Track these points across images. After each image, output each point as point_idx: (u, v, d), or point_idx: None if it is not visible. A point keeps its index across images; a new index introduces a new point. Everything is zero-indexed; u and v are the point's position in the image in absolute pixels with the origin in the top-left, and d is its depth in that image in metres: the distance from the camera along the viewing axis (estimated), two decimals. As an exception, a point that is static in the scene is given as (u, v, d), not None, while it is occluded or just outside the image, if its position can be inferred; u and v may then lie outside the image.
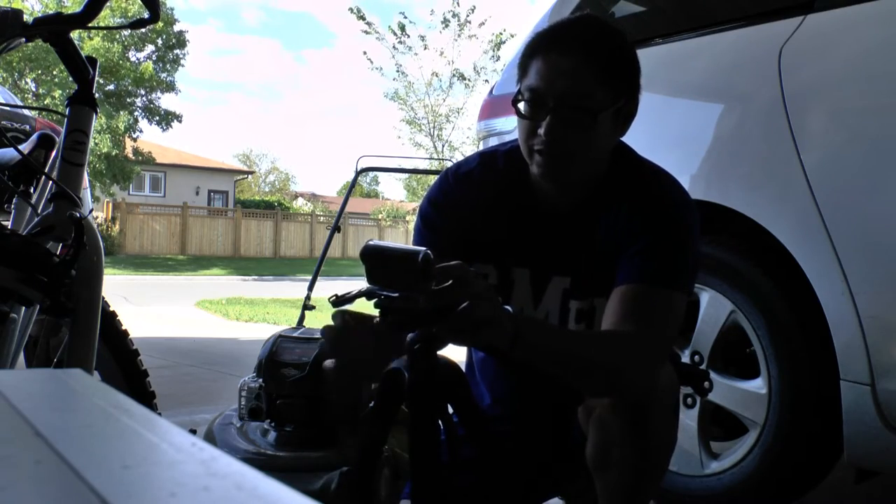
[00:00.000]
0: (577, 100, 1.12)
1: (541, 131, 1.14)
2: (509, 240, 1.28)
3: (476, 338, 0.92)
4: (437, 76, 15.88)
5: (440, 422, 0.95)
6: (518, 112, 1.18)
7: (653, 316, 1.12)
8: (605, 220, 1.23)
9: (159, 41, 19.08)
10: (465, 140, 15.82)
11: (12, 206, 1.63)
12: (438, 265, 0.90)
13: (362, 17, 15.83)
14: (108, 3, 1.39)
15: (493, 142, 2.42)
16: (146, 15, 1.34)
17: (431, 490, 0.92)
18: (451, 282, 0.89)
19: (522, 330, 0.95)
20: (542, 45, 1.16)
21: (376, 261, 0.88)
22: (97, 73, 1.42)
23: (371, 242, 0.89)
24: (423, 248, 0.86)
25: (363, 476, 0.99)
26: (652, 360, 1.11)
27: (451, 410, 1.00)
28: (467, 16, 15.84)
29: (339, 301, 0.95)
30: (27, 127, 3.09)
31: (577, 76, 1.12)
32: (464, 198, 1.27)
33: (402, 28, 15.90)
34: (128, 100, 18.95)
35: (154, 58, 19.39)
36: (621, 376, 1.09)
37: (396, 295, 0.89)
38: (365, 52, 16.15)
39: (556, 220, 1.26)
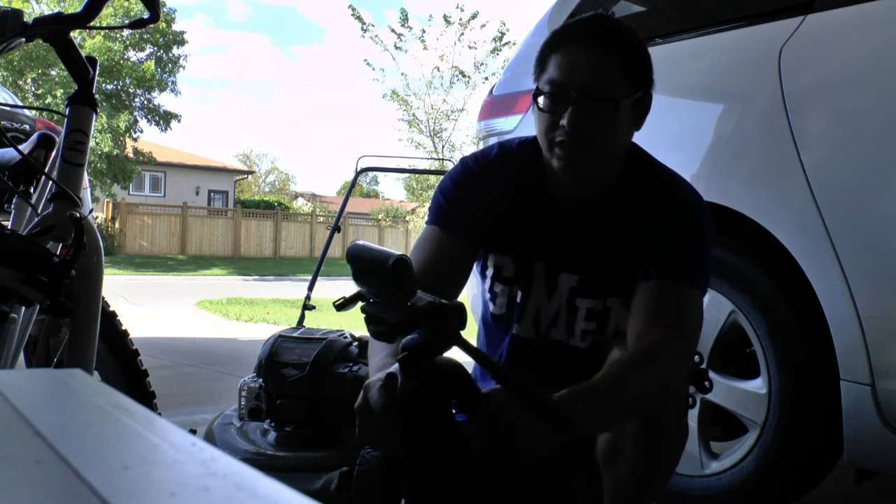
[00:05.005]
0: (599, 90, 1.14)
1: (563, 122, 1.15)
2: (525, 233, 1.29)
3: (524, 461, 0.93)
4: (437, 70, 15.74)
5: (442, 424, 0.93)
6: (538, 106, 1.19)
7: (680, 314, 1.15)
8: (619, 221, 1.25)
9: (161, 40, 19.04)
10: (465, 140, 15.75)
11: (12, 206, 1.63)
12: (484, 391, 0.92)
13: (359, 18, 15.69)
14: (108, 3, 1.39)
15: (493, 142, 2.42)
16: (146, 15, 1.34)
17: (430, 496, 0.91)
18: (494, 414, 0.91)
19: (573, 419, 0.95)
20: (562, 40, 1.18)
21: (359, 263, 0.87)
22: (97, 73, 1.42)
23: (356, 243, 0.88)
24: (398, 254, 0.84)
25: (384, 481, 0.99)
26: (684, 360, 1.15)
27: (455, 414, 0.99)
28: (469, 20, 15.73)
29: (342, 305, 0.95)
30: (27, 127, 3.09)
31: (598, 67, 1.15)
32: (485, 185, 1.29)
33: (406, 19, 15.70)
34: (127, 101, 18.92)
35: (152, 58, 19.35)
36: (668, 388, 1.12)
37: (379, 300, 0.88)
38: (366, 60, 15.93)
39: (569, 217, 1.28)
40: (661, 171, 1.28)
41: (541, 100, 1.18)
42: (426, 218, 1.32)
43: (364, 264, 0.86)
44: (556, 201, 1.27)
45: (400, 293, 0.85)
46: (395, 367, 0.92)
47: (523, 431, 0.91)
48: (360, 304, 0.91)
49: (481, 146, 2.56)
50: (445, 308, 0.85)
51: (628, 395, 1.07)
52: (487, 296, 1.37)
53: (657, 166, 1.29)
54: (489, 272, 1.35)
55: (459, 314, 0.86)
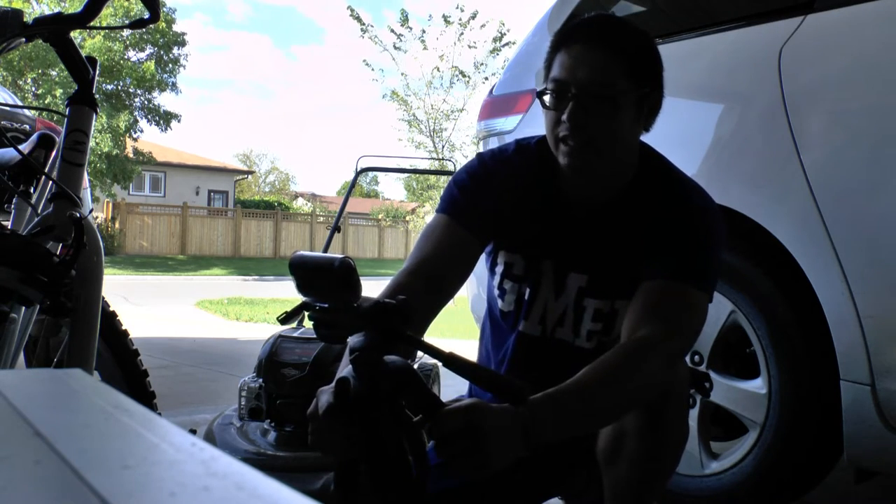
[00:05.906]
0: (599, 87, 1.16)
1: (564, 118, 1.17)
2: (536, 231, 1.30)
3: (490, 465, 0.93)
4: (437, 70, 15.68)
5: (398, 423, 0.93)
6: (543, 104, 1.21)
7: (680, 313, 1.15)
8: (631, 223, 1.25)
9: (161, 40, 19.03)
10: (465, 140, 15.70)
11: (12, 206, 1.63)
12: (448, 408, 0.91)
13: (358, 18, 15.64)
14: (108, 3, 1.39)
15: (494, 141, 2.43)
16: (146, 15, 1.34)
17: (403, 498, 0.91)
18: (461, 423, 0.90)
19: (533, 426, 0.94)
20: (566, 40, 1.20)
21: (302, 271, 0.87)
22: (97, 73, 1.42)
23: (297, 253, 0.89)
24: (341, 256, 0.86)
25: (344, 484, 0.98)
26: (676, 360, 1.14)
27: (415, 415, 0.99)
28: (468, 19, 15.68)
29: (285, 319, 0.96)
30: (27, 127, 3.08)
31: (598, 66, 1.16)
32: (500, 181, 1.30)
33: (406, 19, 15.63)
34: (127, 101, 18.91)
35: (153, 58, 19.34)
36: (656, 388, 1.11)
37: (326, 306, 0.89)
38: (365, 61, 15.83)
39: (582, 217, 1.28)
40: (676, 174, 1.29)
41: (545, 97, 1.21)
42: (435, 208, 1.33)
43: (308, 272, 0.88)
44: (569, 201, 1.28)
45: (347, 295, 0.86)
46: (346, 371, 0.93)
47: (493, 437, 0.91)
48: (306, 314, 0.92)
49: (481, 146, 2.57)
50: (390, 306, 0.88)
51: (610, 396, 1.05)
52: (496, 292, 1.37)
53: (672, 170, 1.29)
54: (499, 269, 1.35)
55: (402, 311, 0.89)
